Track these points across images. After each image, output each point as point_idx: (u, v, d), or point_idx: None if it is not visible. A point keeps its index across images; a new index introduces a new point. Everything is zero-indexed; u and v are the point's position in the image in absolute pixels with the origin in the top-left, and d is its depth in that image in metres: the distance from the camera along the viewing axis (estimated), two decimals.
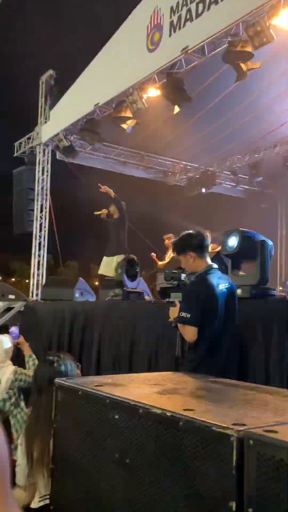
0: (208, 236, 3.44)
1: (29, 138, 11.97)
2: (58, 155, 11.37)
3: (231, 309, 3.30)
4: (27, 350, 4.19)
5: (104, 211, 8.27)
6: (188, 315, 3.13)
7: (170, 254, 9.39)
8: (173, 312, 3.28)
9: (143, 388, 1.86)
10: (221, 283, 3.28)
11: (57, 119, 10.72)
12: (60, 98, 10.78)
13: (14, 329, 4.44)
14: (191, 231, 3.40)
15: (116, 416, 1.61)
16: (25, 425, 2.52)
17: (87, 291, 6.23)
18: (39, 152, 11.51)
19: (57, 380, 2.02)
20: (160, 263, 9.93)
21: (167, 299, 3.53)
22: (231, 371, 3.08)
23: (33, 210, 11.60)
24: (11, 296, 6.64)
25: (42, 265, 11.50)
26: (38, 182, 11.52)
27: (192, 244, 3.33)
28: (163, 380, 2.07)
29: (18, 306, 6.38)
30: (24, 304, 6.46)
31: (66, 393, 1.96)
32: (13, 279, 36.85)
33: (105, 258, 8.12)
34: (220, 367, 3.04)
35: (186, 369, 3.07)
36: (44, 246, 11.57)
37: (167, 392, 1.79)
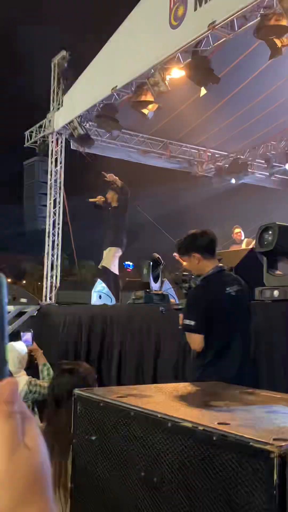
0: (211, 237, 3.47)
1: (40, 127, 12.07)
2: (73, 145, 11.44)
3: (241, 314, 3.32)
4: (41, 358, 4.23)
5: (100, 198, 8.20)
6: (192, 322, 3.18)
7: None
8: (182, 319, 3.33)
9: (171, 400, 1.86)
10: (229, 285, 3.31)
11: (71, 105, 10.79)
12: (74, 81, 10.84)
13: (26, 336, 4.48)
14: (196, 231, 3.43)
15: (142, 430, 1.61)
16: None
17: (106, 294, 6.26)
18: (52, 142, 11.60)
19: (76, 390, 2.04)
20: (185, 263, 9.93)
21: (177, 306, 3.63)
22: (244, 380, 3.01)
23: (45, 205, 11.70)
24: (23, 300, 6.71)
25: (56, 265, 11.59)
26: (51, 175, 11.61)
27: (196, 245, 3.38)
28: (192, 391, 2.07)
29: (31, 310, 6.44)
30: (37, 308, 6.52)
31: (86, 405, 1.98)
32: (24, 281, 37.21)
33: (104, 252, 8.17)
34: (230, 376, 3.04)
35: (193, 378, 3.10)
36: (58, 245, 11.66)
37: (198, 404, 1.79)
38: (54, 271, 11.54)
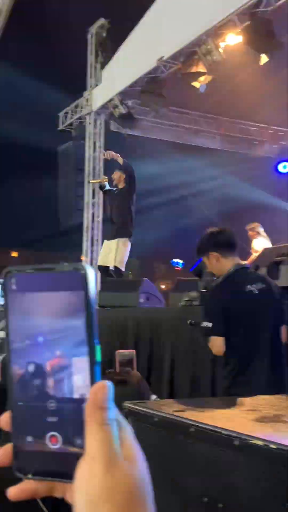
0: (229, 233, 3.60)
1: (76, 107, 12.21)
2: (113, 126, 11.53)
3: (266, 314, 3.41)
4: None
5: (104, 178, 7.93)
6: (210, 324, 3.33)
7: (254, 248, 9.15)
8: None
9: (237, 415, 1.85)
10: (250, 283, 3.41)
11: (111, 81, 10.86)
12: (114, 54, 10.91)
13: None
14: (213, 228, 3.61)
15: (203, 449, 1.61)
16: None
17: (154, 295, 6.28)
18: (90, 123, 11.72)
19: (127, 404, 2.06)
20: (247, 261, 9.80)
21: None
22: (280, 390, 2.97)
23: (83, 196, 11.81)
24: None
25: (96, 264, 11.69)
26: (89, 161, 11.71)
27: (214, 243, 3.52)
28: (261, 404, 2.06)
29: None
30: None
31: (139, 420, 1.99)
32: None
33: (105, 243, 7.85)
34: (258, 386, 3.11)
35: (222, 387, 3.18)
36: (97, 241, 11.75)
37: (268, 419, 1.77)
38: (94, 270, 11.67)
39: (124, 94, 10.68)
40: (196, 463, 1.63)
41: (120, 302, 6.25)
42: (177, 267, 10.42)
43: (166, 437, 1.79)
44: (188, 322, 4.50)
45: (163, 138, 11.99)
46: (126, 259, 7.51)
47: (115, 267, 7.38)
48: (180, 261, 10.20)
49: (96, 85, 11.59)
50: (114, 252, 7.37)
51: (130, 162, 7.85)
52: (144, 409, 1.94)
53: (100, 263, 7.77)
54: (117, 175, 7.61)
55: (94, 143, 11.75)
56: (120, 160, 7.58)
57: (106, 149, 11.75)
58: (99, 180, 7.97)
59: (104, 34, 11.60)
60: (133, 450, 0.55)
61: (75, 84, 12.90)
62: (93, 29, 11.85)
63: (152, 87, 9.76)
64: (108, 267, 7.45)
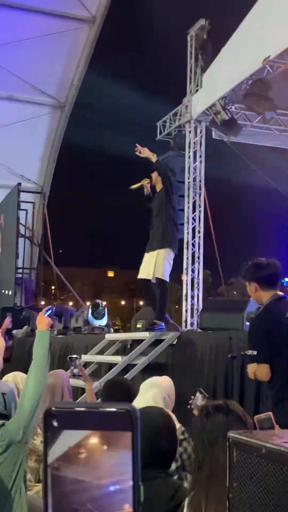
0: (274, 269, 4.16)
1: (175, 115, 12.33)
2: (215, 134, 11.55)
3: None
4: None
5: (145, 181, 7.42)
6: (255, 352, 3.86)
7: None
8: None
9: None
10: None
11: (212, 85, 10.89)
12: (215, 56, 10.94)
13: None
14: (261, 260, 4.15)
15: None
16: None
17: None
18: (190, 132, 11.78)
19: (231, 434, 2.05)
20: None
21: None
22: None
23: (183, 210, 11.87)
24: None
25: (198, 283, 11.66)
26: (189, 172, 11.78)
27: (256, 275, 4.12)
28: None
29: (169, 338, 6.57)
30: (177, 335, 6.63)
31: (244, 451, 1.98)
32: None
33: (146, 256, 7.38)
34: None
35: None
36: (198, 258, 11.75)
37: None
38: (196, 290, 11.63)
39: (226, 99, 10.69)
40: None
41: (223, 324, 6.21)
42: None
43: (276, 471, 1.76)
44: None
45: (271, 144, 11.85)
46: (169, 269, 7.17)
47: (157, 278, 7.10)
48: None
49: (197, 91, 11.61)
50: (154, 263, 7.05)
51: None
52: (251, 440, 1.91)
53: (140, 276, 7.36)
54: (154, 175, 7.32)
55: (195, 152, 11.78)
56: (154, 158, 7.22)
57: (207, 159, 11.81)
58: (138, 185, 7.42)
59: (205, 36, 11.64)
60: None
61: (174, 91, 13.10)
62: (193, 31, 11.89)
63: (258, 89, 9.70)
64: (149, 280, 7.18)
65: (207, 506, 2.38)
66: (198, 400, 4.27)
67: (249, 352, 3.89)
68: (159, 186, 7.34)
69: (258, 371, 3.84)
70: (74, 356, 5.51)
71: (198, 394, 4.31)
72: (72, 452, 0.63)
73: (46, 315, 3.58)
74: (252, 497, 1.87)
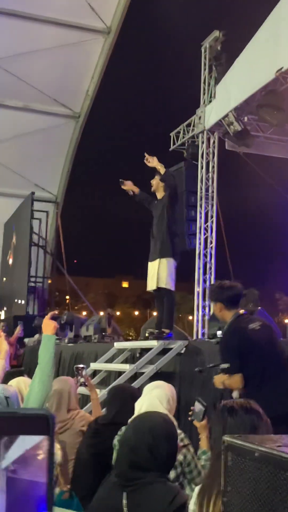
0: (236, 291, 4.68)
1: (188, 125, 12.39)
2: (228, 144, 11.56)
3: (271, 345, 4.47)
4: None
5: (135, 189, 7.45)
6: (227, 365, 4.34)
7: None
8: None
9: None
10: (251, 323, 4.48)
11: (226, 96, 10.93)
12: (229, 67, 10.99)
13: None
14: (224, 283, 4.70)
15: None
16: None
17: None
18: (203, 142, 11.82)
19: (226, 437, 2.04)
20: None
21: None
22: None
23: (195, 220, 11.89)
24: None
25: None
26: (202, 183, 11.80)
27: (221, 297, 4.62)
28: None
29: (177, 346, 6.56)
30: (185, 344, 6.63)
31: (239, 455, 1.97)
32: None
33: (149, 266, 7.31)
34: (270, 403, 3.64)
35: None
36: (211, 269, 11.75)
37: None
38: (207, 301, 11.60)
39: (239, 110, 10.69)
40: None
41: None
42: None
43: (269, 475, 1.75)
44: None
45: (284, 156, 11.84)
46: (173, 278, 7.08)
47: (162, 288, 7.06)
48: None
49: (210, 101, 11.68)
50: (157, 273, 7.01)
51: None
52: (245, 443, 1.91)
53: (148, 288, 7.29)
54: (155, 180, 7.28)
55: (207, 163, 11.82)
56: (162, 169, 7.16)
57: (219, 169, 11.83)
58: (130, 188, 7.49)
59: (219, 47, 11.69)
60: None
61: (188, 101, 13.12)
62: (207, 42, 11.98)
63: (271, 100, 9.70)
64: (158, 290, 7.13)
65: (217, 497, 2.39)
66: (197, 408, 4.27)
67: (222, 365, 4.42)
68: (160, 194, 7.32)
69: (232, 380, 4.31)
70: (81, 366, 5.55)
71: (196, 403, 4.30)
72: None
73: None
74: (245, 502, 1.87)
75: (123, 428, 3.70)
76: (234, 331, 4.50)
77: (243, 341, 4.37)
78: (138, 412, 3.84)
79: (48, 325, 3.53)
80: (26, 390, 3.73)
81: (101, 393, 5.94)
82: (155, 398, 3.88)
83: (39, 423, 0.64)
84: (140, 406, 3.88)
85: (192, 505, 2.61)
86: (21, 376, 4.71)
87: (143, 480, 2.69)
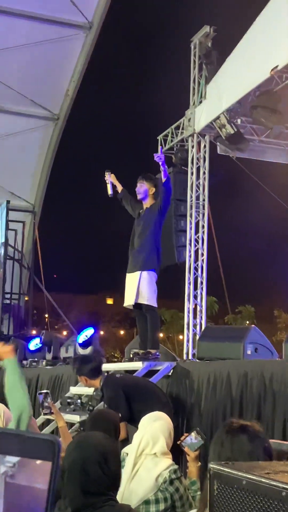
0: (94, 363, 6.04)
1: (177, 128, 12.43)
2: (220, 149, 11.62)
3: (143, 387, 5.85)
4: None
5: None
6: (120, 414, 4.97)
7: None
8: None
9: None
10: (118, 373, 5.97)
11: (217, 96, 10.98)
12: (220, 66, 11.04)
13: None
14: (85, 356, 6.25)
15: None
16: None
17: (264, 346, 6.20)
18: (192, 146, 11.87)
19: (212, 465, 2.05)
20: None
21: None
22: None
23: (185, 231, 11.88)
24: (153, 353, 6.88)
25: (201, 311, 11.59)
26: (192, 190, 11.83)
27: (83, 371, 5.91)
28: None
29: (164, 368, 6.56)
30: (173, 365, 6.63)
31: (225, 484, 1.98)
32: (161, 335, 38.01)
33: (127, 277, 7.19)
34: None
35: None
36: (202, 284, 11.73)
37: None
38: (198, 319, 11.58)
39: (232, 112, 10.76)
40: None
41: (222, 353, 6.21)
42: None
43: (256, 504, 1.77)
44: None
45: (280, 161, 11.93)
46: (155, 293, 6.99)
47: (144, 305, 6.96)
48: None
49: (200, 102, 11.70)
50: (136, 287, 6.84)
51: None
52: (232, 471, 1.92)
53: (126, 303, 7.17)
54: (146, 185, 7.14)
55: (198, 169, 11.86)
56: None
57: (210, 174, 11.87)
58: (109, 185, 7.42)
59: (209, 44, 11.76)
60: None
61: (176, 103, 13.18)
62: (196, 38, 12.01)
63: (266, 102, 9.79)
64: (138, 306, 7.03)
65: None
66: (194, 438, 4.27)
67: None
68: (150, 201, 7.17)
69: (122, 428, 5.03)
70: (44, 391, 5.63)
71: (194, 433, 4.31)
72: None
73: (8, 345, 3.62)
74: None
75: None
76: (112, 391, 5.60)
77: (125, 393, 5.55)
78: (137, 445, 3.89)
79: (4, 350, 3.52)
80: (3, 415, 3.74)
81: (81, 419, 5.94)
82: (157, 430, 3.94)
83: (45, 448, 0.68)
84: (140, 439, 3.92)
85: None
86: None
87: (95, 505, 2.74)
